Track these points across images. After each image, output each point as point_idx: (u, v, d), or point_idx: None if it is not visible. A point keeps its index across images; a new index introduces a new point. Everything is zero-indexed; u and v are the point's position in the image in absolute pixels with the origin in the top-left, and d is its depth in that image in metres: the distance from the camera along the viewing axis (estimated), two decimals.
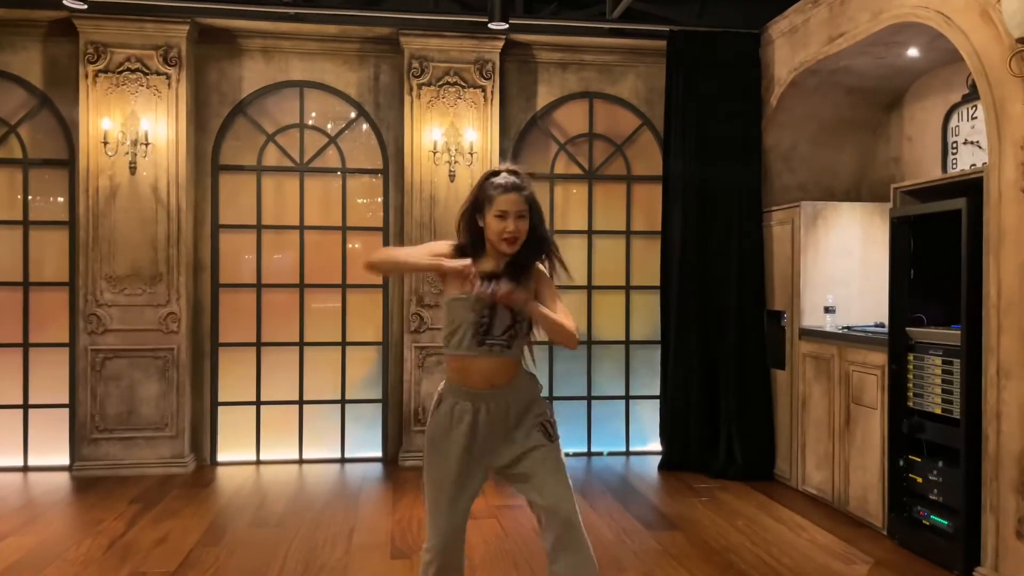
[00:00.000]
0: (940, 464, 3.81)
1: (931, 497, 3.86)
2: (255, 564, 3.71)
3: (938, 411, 3.81)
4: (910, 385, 4.00)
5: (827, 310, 4.97)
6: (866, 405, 4.37)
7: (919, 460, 3.95)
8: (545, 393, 5.89)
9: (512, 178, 2.38)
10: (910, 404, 4.00)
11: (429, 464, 2.45)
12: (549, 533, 2.35)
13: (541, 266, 2.45)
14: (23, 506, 4.69)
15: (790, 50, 5.22)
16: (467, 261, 2.32)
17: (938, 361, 3.81)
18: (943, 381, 3.78)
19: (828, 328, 4.87)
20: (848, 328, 4.76)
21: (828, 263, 5.07)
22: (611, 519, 4.50)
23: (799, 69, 5.11)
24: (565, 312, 2.40)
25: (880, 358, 4.24)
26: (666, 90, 5.73)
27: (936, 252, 3.97)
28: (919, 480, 3.94)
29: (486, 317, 2.33)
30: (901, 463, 4.03)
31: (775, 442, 5.38)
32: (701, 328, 5.61)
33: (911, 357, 4.00)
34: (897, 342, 4.06)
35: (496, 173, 2.41)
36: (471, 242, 2.42)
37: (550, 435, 2.43)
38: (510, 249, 2.37)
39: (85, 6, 4.86)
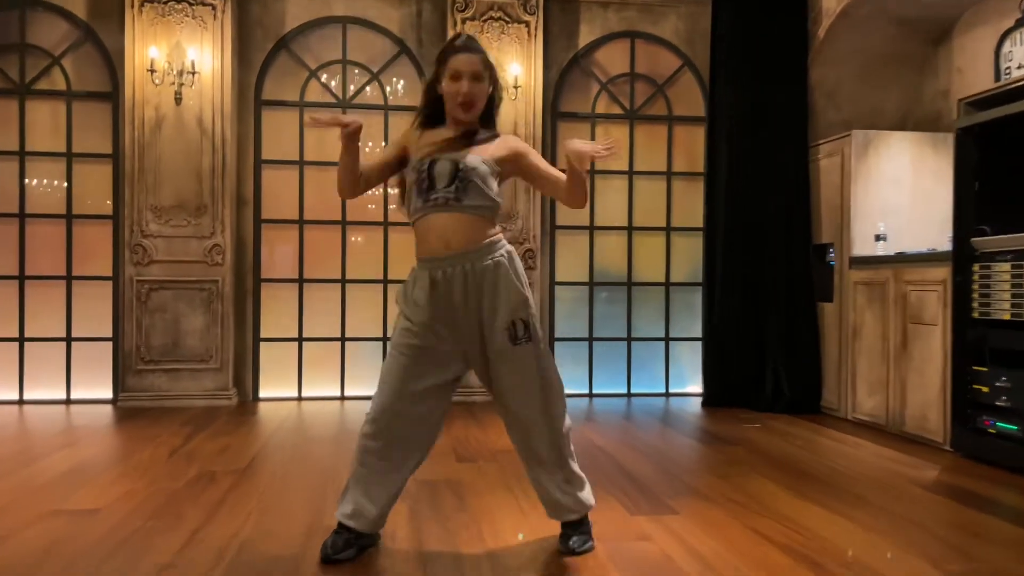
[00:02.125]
0: (1007, 370, 3.79)
1: (998, 404, 3.83)
2: (322, 468, 3.68)
3: (1007, 317, 3.80)
4: (975, 295, 3.98)
5: (878, 238, 4.96)
6: (926, 323, 4.35)
7: (985, 370, 3.93)
8: (584, 334, 5.95)
9: (467, 40, 2.37)
10: (975, 315, 3.98)
11: (393, 334, 2.45)
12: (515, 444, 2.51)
13: (511, 136, 2.47)
14: (73, 428, 4.66)
15: None
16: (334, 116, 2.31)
17: (1007, 267, 3.79)
18: (1013, 286, 3.76)
19: (881, 254, 4.86)
20: (902, 253, 4.75)
21: (879, 192, 5.06)
22: (666, 440, 4.48)
23: None
24: (552, 170, 2.43)
25: (941, 273, 4.22)
26: (712, 27, 5.71)
27: (999, 163, 3.96)
28: (985, 390, 3.92)
29: (424, 174, 2.29)
30: (967, 376, 4.01)
31: (822, 375, 5.36)
32: (746, 264, 5.59)
33: (976, 268, 3.98)
34: (962, 254, 4.04)
35: (454, 38, 2.41)
36: (430, 112, 2.40)
37: (516, 336, 2.32)
38: (466, 115, 2.33)
39: None
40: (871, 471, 3.75)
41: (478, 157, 2.33)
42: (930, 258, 4.38)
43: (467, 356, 2.42)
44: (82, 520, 2.82)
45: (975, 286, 3.99)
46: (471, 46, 2.35)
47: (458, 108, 2.31)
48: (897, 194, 5.06)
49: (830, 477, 3.62)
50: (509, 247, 2.40)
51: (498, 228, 2.41)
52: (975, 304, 3.99)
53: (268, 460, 3.81)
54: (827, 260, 5.35)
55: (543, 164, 2.45)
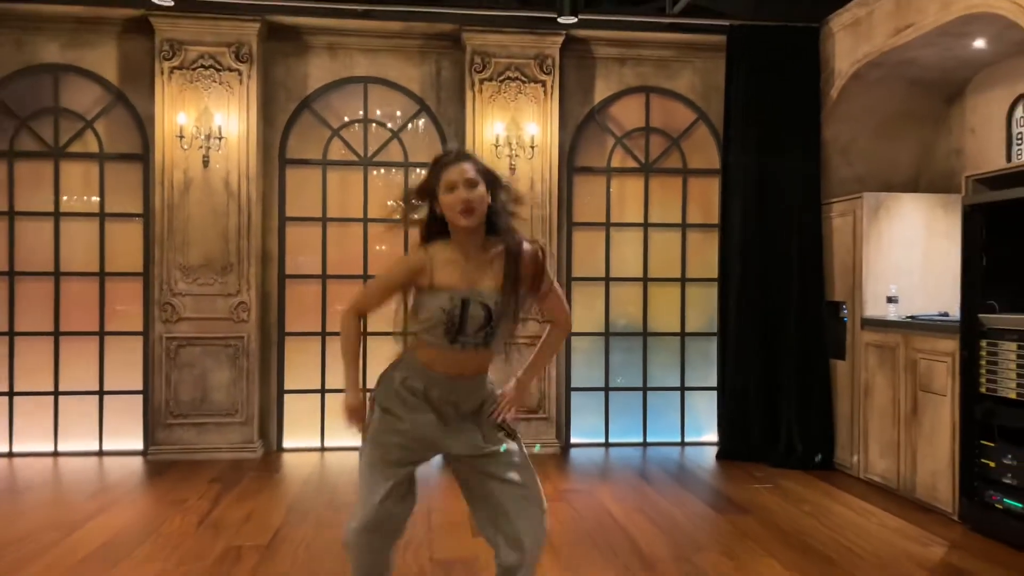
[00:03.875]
0: (1014, 448, 3.85)
1: (1005, 481, 3.90)
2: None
3: (1013, 396, 3.86)
4: (983, 371, 4.04)
5: (890, 300, 5.02)
6: (935, 392, 4.41)
7: (992, 445, 3.99)
8: (600, 384, 6.06)
9: (456, 151, 2.33)
10: (982, 390, 4.04)
11: (370, 435, 2.36)
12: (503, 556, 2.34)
13: (528, 244, 2.32)
14: (107, 487, 4.85)
15: (852, 43, 5.28)
16: (361, 418, 2.35)
17: (1013, 347, 3.86)
18: (1018, 366, 3.82)
19: (891, 317, 4.92)
20: (912, 317, 4.81)
21: (891, 254, 5.12)
22: (679, 503, 4.58)
23: (862, 62, 5.16)
24: (557, 295, 2.39)
25: (950, 345, 4.29)
26: (726, 84, 5.80)
27: (1008, 240, 4.02)
28: (992, 465, 3.98)
29: (456, 319, 2.23)
30: (975, 449, 4.07)
31: (835, 431, 5.43)
32: (760, 319, 5.67)
33: (984, 343, 4.04)
34: (970, 328, 4.11)
35: (441, 154, 2.35)
36: (434, 232, 2.32)
37: (509, 432, 2.38)
38: (468, 221, 2.23)
39: (171, 3, 5.01)
40: (878, 547, 3.82)
41: (496, 291, 2.27)
42: (939, 328, 4.44)
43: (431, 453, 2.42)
44: None
45: (983, 361, 4.05)
46: (461, 155, 2.31)
47: (459, 216, 2.23)
48: (909, 255, 5.12)
49: (837, 555, 3.70)
50: (490, 377, 2.43)
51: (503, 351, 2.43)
52: (983, 379, 4.05)
53: (291, 534, 3.95)
54: (840, 317, 5.42)
55: (552, 287, 2.38)
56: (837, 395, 5.43)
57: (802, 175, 5.62)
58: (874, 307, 5.09)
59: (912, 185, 5.69)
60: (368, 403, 2.39)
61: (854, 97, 5.47)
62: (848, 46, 5.33)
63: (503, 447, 2.35)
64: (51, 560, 3.52)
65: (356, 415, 2.36)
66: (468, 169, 2.26)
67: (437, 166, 2.30)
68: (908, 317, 4.83)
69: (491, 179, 2.30)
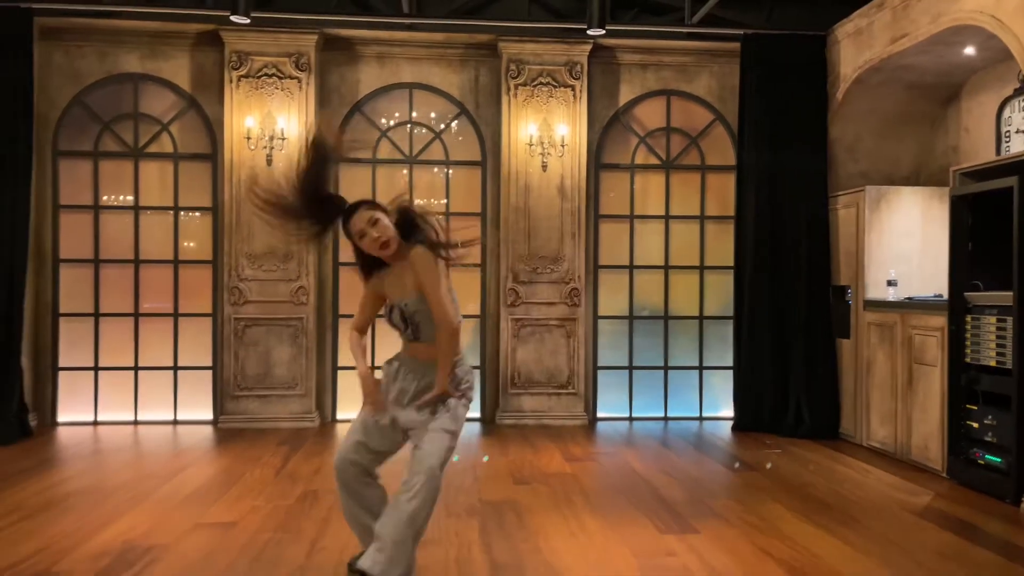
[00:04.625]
0: (994, 410, 4.36)
1: (986, 439, 4.41)
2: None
3: (993, 364, 4.37)
4: (968, 343, 4.56)
5: (890, 283, 5.53)
6: (927, 363, 4.93)
7: (975, 408, 4.51)
8: (624, 363, 6.62)
9: (353, 205, 2.76)
10: (967, 360, 4.56)
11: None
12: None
13: (422, 248, 2.72)
14: (186, 449, 5.48)
15: (855, 50, 5.79)
16: (374, 396, 2.86)
17: (993, 320, 4.37)
18: (997, 337, 4.33)
19: (891, 299, 5.43)
20: (909, 299, 5.32)
21: (890, 242, 5.63)
22: (696, 464, 5.13)
23: (863, 67, 5.68)
24: (434, 295, 2.72)
25: (940, 321, 4.80)
26: (740, 87, 6.34)
27: (991, 226, 4.52)
28: (975, 426, 4.49)
29: (389, 319, 2.87)
30: (961, 412, 4.58)
31: (840, 404, 5.95)
32: (772, 302, 6.20)
33: (969, 318, 4.55)
34: (956, 306, 4.62)
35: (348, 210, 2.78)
36: (370, 267, 2.85)
37: (434, 411, 2.81)
38: (387, 252, 2.73)
39: (247, 21, 5.63)
40: (873, 496, 4.36)
41: (414, 294, 2.77)
42: (931, 307, 4.95)
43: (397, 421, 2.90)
44: (225, 532, 3.60)
45: (968, 334, 4.56)
46: (355, 205, 2.75)
47: (380, 253, 2.75)
48: (908, 243, 5.62)
49: (835, 502, 4.23)
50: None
51: None
52: (968, 350, 4.56)
53: None
54: (846, 300, 5.93)
55: (431, 292, 2.74)
56: (842, 371, 5.95)
57: (811, 171, 6.14)
58: (875, 290, 5.60)
59: (913, 180, 6.19)
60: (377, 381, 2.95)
61: (858, 99, 5.98)
62: (852, 53, 5.85)
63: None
64: (156, 500, 4.14)
65: (374, 404, 2.91)
66: (364, 216, 2.72)
67: (344, 225, 2.78)
68: (906, 299, 5.34)
69: (381, 207, 2.79)
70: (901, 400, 5.19)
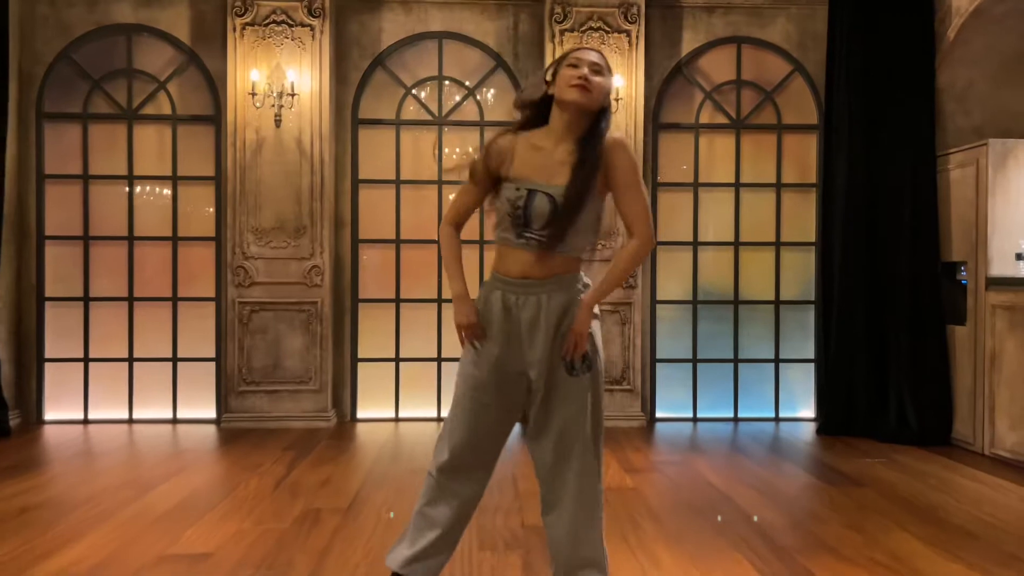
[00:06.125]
0: None
1: None
2: None
3: None
4: None
5: (1019, 257, 4.54)
6: None
7: None
8: (688, 355, 5.70)
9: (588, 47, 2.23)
10: None
11: (463, 363, 2.24)
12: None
13: (618, 142, 2.15)
14: (180, 452, 4.72)
15: None
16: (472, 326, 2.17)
17: None
18: None
19: (1023, 275, 4.43)
20: None
21: (1020, 207, 4.63)
22: (784, 475, 4.21)
23: None
24: (637, 195, 2.12)
25: None
26: (828, 29, 5.38)
27: None
28: None
29: (520, 211, 2.09)
30: None
31: (953, 404, 4.95)
32: (867, 284, 5.23)
33: None
34: None
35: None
36: (535, 111, 2.19)
37: (574, 366, 2.12)
38: (579, 96, 2.08)
39: None
40: (1021, 522, 3.39)
41: (581, 190, 2.08)
42: None
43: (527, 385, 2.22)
44: (192, 567, 2.78)
45: None
46: (596, 50, 2.20)
47: (571, 90, 2.08)
48: None
49: (979, 530, 3.28)
50: (587, 280, 2.20)
51: (587, 256, 2.20)
52: None
53: (371, 497, 3.72)
54: (958, 279, 4.94)
55: (635, 190, 2.14)
56: (956, 364, 4.95)
57: (913, 125, 5.15)
58: (1001, 266, 4.61)
59: None
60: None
61: (974, 37, 4.97)
62: None
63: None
64: (124, 519, 3.35)
65: (470, 330, 2.18)
66: (599, 60, 2.15)
67: (567, 53, 2.19)
68: None
69: (610, 89, 2.18)
70: None
